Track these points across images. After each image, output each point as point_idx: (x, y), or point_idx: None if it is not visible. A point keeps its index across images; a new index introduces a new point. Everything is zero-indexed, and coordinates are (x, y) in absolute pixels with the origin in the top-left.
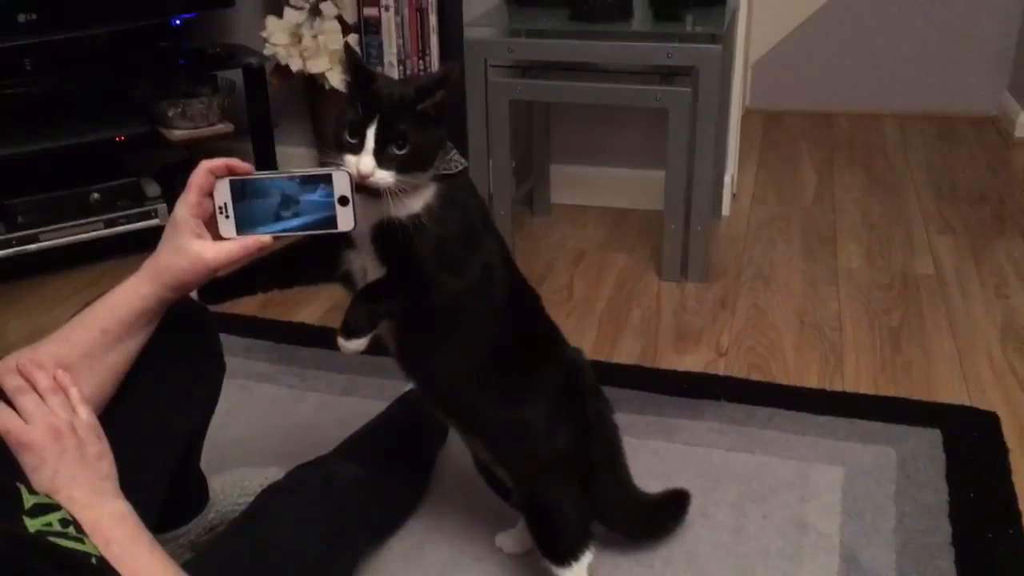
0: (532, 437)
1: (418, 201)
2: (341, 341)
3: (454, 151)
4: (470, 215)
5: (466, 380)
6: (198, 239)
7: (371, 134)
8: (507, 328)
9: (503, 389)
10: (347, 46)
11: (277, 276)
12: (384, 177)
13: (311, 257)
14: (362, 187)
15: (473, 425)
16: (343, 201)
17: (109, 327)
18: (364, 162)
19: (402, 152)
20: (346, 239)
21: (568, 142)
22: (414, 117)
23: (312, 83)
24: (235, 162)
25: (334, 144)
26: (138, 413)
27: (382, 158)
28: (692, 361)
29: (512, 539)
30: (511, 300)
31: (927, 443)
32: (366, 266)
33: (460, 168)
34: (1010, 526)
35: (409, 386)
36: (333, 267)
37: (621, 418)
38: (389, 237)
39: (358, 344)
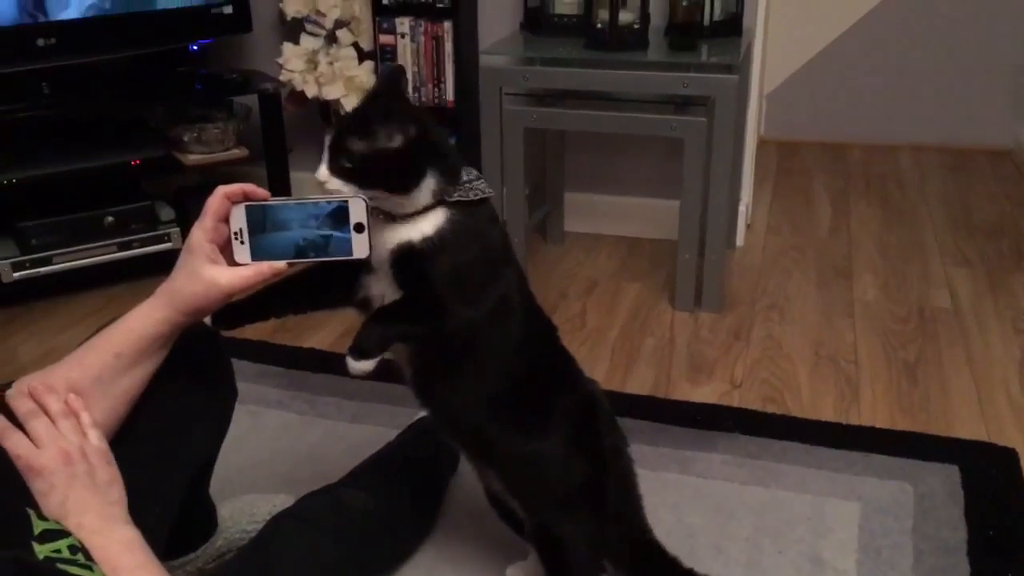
0: (546, 470)
1: (429, 224)
2: (350, 361)
3: (480, 180)
4: (488, 244)
5: (481, 410)
6: (213, 264)
7: (326, 143)
8: (524, 359)
9: (518, 420)
10: (399, 68)
11: (292, 301)
12: (337, 186)
13: (327, 282)
14: (377, 210)
15: (487, 456)
16: (359, 228)
17: (122, 351)
18: (320, 170)
19: (350, 166)
20: (365, 264)
21: (582, 170)
22: (371, 136)
23: (327, 109)
24: (251, 188)
25: None
26: (149, 438)
27: (334, 169)
28: (706, 392)
29: (523, 571)
30: (528, 331)
31: (945, 479)
32: (384, 292)
33: (481, 196)
34: None
35: (420, 414)
36: (350, 292)
37: (634, 449)
38: (405, 261)
39: (366, 365)
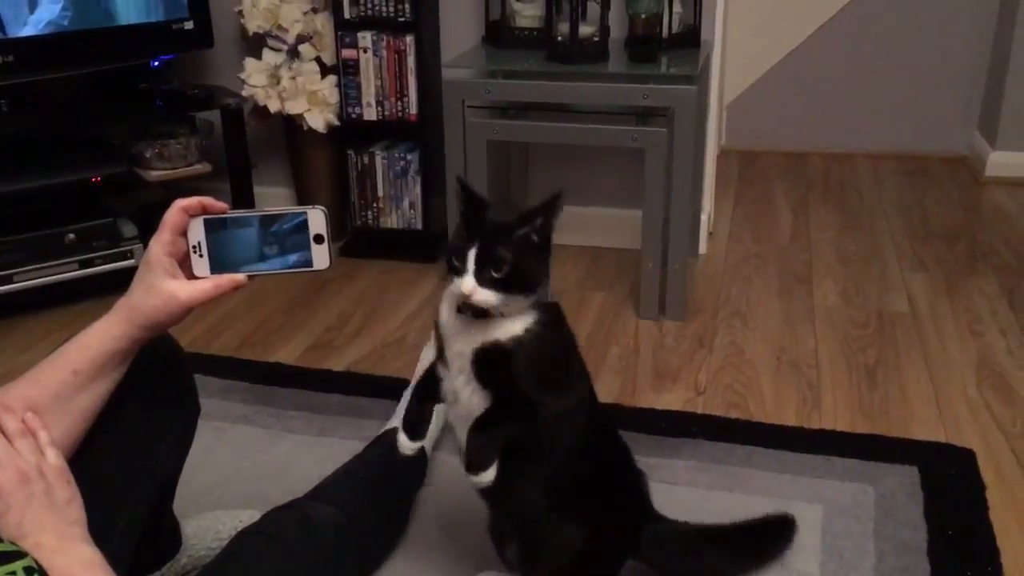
0: (569, 550)
1: (519, 324)
2: (471, 478)
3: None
4: (567, 339)
5: (544, 503)
6: (172, 278)
7: (471, 256)
8: (587, 450)
9: (568, 506)
10: (459, 180)
11: (433, 395)
12: (486, 297)
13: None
14: (468, 308)
15: (521, 524)
16: (319, 239)
17: (80, 368)
18: (466, 282)
19: (500, 275)
20: (441, 360)
21: (546, 182)
22: (515, 242)
23: (290, 124)
24: (209, 201)
25: (447, 269)
26: (110, 456)
27: (482, 280)
28: (670, 399)
29: None
30: (592, 423)
31: (905, 480)
32: (457, 390)
33: (554, 299)
34: (988, 563)
35: (387, 426)
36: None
37: None
38: (490, 360)
39: (487, 476)
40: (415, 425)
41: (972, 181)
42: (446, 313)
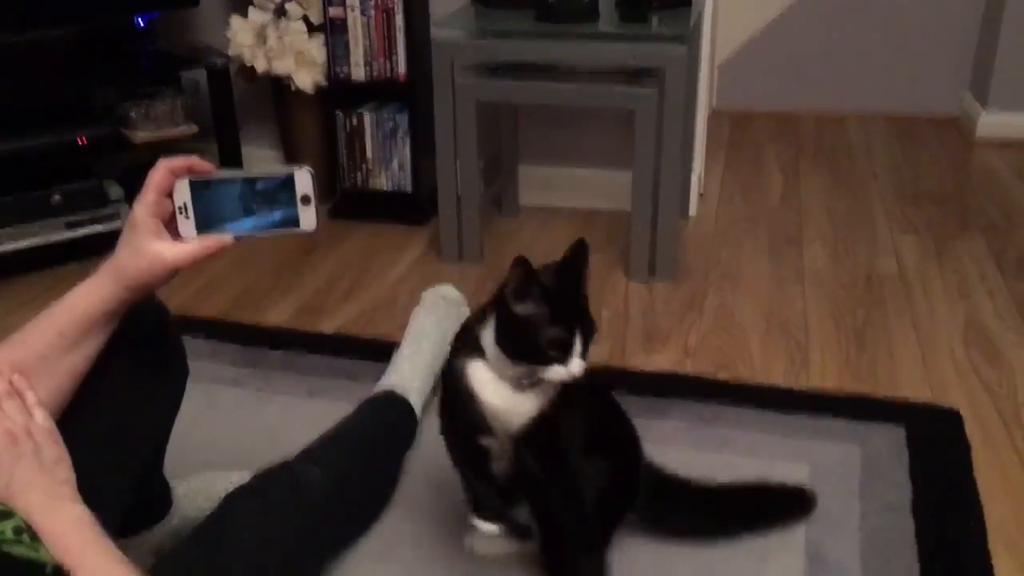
0: (595, 489)
1: (552, 387)
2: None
3: None
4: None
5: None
6: (157, 239)
7: (579, 341)
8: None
9: (590, 446)
10: (521, 263)
11: (480, 471)
12: (583, 367)
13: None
14: (520, 381)
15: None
16: (305, 200)
17: (66, 330)
18: (577, 365)
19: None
20: (482, 435)
21: (536, 143)
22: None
23: (278, 84)
24: (195, 161)
25: (528, 358)
26: (98, 417)
27: (585, 356)
28: (660, 361)
29: (481, 540)
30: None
31: (891, 440)
32: (503, 454)
33: None
34: (973, 521)
35: (377, 388)
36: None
37: None
38: (536, 433)
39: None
40: (479, 505)
41: (963, 142)
42: (489, 394)
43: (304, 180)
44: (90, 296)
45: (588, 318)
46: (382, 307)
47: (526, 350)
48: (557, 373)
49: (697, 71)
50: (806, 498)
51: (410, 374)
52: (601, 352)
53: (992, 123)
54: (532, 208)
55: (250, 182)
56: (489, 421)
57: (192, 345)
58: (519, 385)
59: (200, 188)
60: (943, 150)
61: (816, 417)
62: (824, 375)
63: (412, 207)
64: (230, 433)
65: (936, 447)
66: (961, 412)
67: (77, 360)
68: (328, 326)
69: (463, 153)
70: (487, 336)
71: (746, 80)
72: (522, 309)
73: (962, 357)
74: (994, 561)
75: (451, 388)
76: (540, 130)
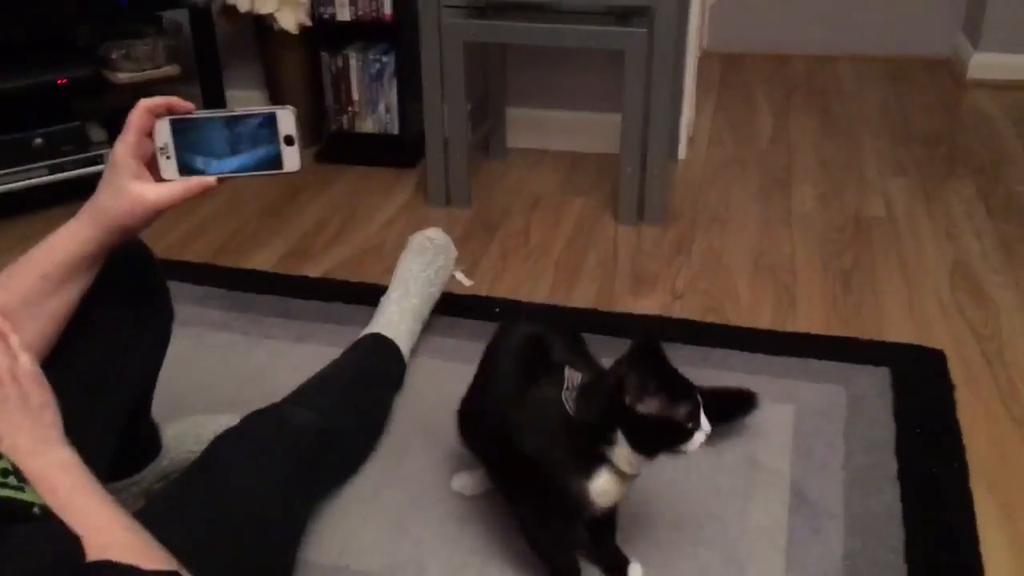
0: None
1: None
2: None
3: None
4: None
5: None
6: (139, 180)
7: (703, 413)
8: None
9: None
10: (644, 343)
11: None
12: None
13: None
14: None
15: None
16: (288, 141)
17: (48, 272)
18: (706, 423)
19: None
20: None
21: (525, 85)
22: None
23: (261, 24)
24: (175, 101)
25: (670, 445)
26: (84, 361)
27: None
28: (648, 304)
29: (468, 481)
30: None
31: (876, 381)
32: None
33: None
34: (955, 460)
35: (365, 331)
36: None
37: None
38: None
39: None
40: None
41: (954, 84)
42: (612, 484)
43: (287, 120)
44: (71, 239)
45: (686, 380)
46: (370, 251)
47: (667, 439)
48: (698, 440)
49: (688, 11)
50: (750, 397)
51: (398, 317)
52: (588, 295)
53: (984, 64)
54: (520, 151)
55: (232, 122)
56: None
57: (179, 289)
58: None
59: (181, 128)
60: (934, 92)
61: (803, 359)
62: (811, 317)
63: (399, 150)
64: (219, 377)
65: (920, 387)
66: (946, 352)
67: (60, 304)
68: (315, 270)
69: (450, 95)
70: (620, 451)
71: (738, 21)
72: (646, 408)
73: (948, 298)
74: (975, 499)
75: (559, 490)
76: (528, 72)
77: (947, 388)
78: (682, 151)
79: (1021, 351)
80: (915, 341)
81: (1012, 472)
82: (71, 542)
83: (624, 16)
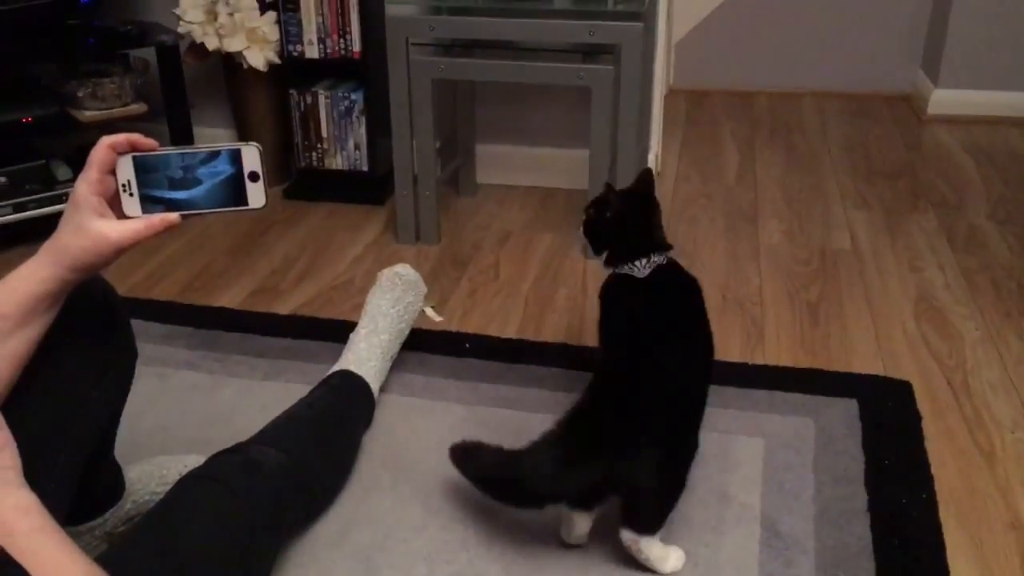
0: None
1: None
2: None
3: None
4: None
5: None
6: (100, 218)
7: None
8: None
9: None
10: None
11: None
12: None
13: None
14: None
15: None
16: (253, 177)
17: (7, 312)
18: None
19: None
20: None
21: (493, 122)
22: None
23: (230, 62)
24: (137, 137)
25: None
26: (43, 402)
27: None
28: None
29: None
30: None
31: (844, 413)
32: None
33: None
34: (923, 490)
35: (333, 369)
36: None
37: (547, 396)
38: None
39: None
40: None
41: (915, 119)
42: None
43: (252, 156)
44: (31, 277)
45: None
46: (339, 288)
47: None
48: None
49: (654, 48)
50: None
51: (366, 354)
52: (558, 331)
53: (943, 100)
54: (490, 187)
55: (196, 158)
56: None
57: (145, 328)
58: None
59: (144, 165)
60: (895, 127)
61: (771, 391)
62: (779, 350)
63: (368, 187)
64: (184, 417)
65: (888, 418)
66: (912, 383)
67: (19, 344)
68: (284, 308)
69: (419, 132)
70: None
71: (703, 58)
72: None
73: (913, 330)
74: (944, 530)
75: None
76: (497, 108)
77: (915, 419)
78: None
79: (986, 381)
80: (882, 372)
81: (980, 503)
82: None
83: (591, 53)
